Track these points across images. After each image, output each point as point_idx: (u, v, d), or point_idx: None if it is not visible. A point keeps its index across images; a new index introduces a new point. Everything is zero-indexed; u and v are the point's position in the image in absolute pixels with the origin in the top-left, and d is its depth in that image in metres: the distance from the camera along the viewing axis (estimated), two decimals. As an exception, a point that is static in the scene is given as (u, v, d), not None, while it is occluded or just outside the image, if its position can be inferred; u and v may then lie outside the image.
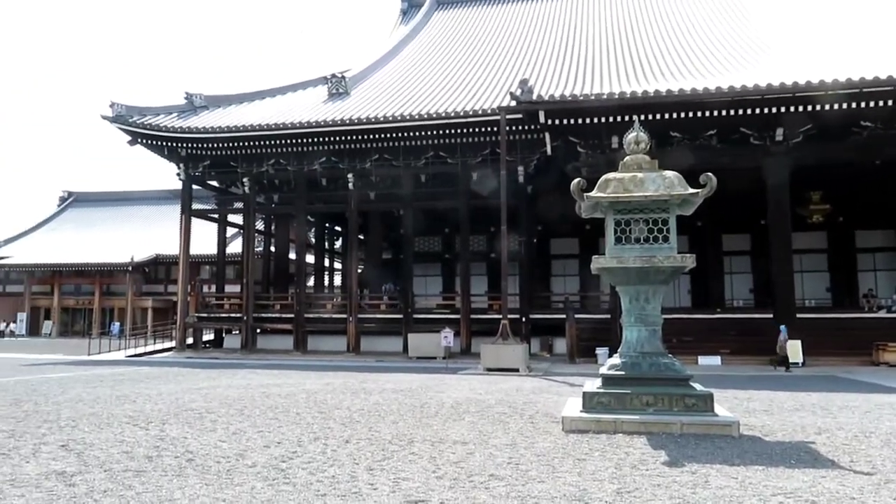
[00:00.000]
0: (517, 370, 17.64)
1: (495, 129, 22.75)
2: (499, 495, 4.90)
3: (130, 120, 27.05)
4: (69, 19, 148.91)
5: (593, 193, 8.41)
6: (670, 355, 8.39)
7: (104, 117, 27.12)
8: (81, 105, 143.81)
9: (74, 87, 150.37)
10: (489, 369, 17.81)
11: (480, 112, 23.41)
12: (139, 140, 27.76)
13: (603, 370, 8.50)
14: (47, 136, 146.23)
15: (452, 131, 24.12)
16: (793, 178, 21.23)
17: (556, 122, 21.23)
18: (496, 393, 12.17)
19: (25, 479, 5.32)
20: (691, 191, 8.21)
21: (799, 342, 18.96)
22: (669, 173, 8.35)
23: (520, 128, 23.20)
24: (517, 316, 23.45)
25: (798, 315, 20.65)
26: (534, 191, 25.72)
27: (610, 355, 15.78)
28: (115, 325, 43.27)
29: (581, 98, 20.77)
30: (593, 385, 8.48)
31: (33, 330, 50.85)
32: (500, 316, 20.20)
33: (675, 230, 8.36)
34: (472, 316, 25.09)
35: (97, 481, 5.27)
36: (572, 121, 21.08)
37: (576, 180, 8.47)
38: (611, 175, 8.57)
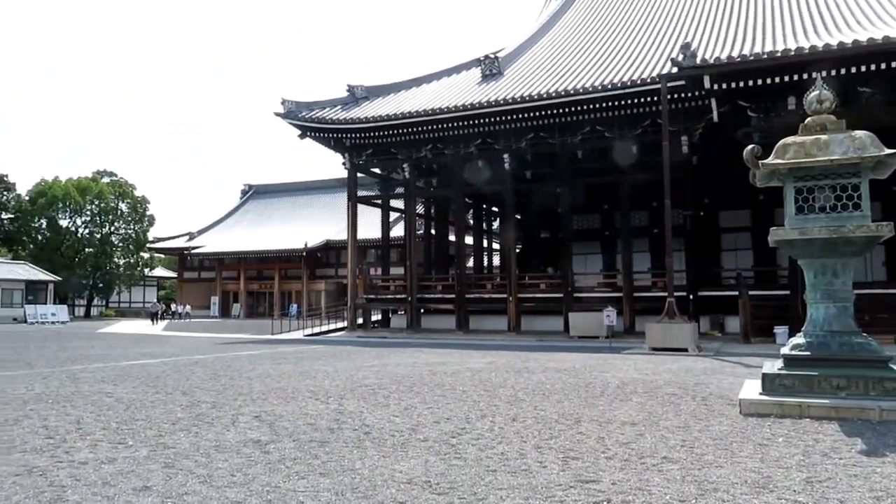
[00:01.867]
0: (685, 350, 16.88)
1: (656, 98, 21.75)
2: (673, 479, 4.73)
3: (300, 115, 28.84)
4: (239, 28, 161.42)
5: (770, 160, 7.80)
6: (864, 334, 7.63)
7: (277, 114, 29.15)
8: (261, 104, 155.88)
9: (258, 89, 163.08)
10: (655, 349, 17.20)
11: (639, 82, 22.44)
12: (308, 133, 29.55)
13: (785, 350, 7.90)
14: (231, 134, 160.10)
15: (610, 104, 23.32)
16: None
17: (724, 86, 19.82)
18: (664, 373, 11.74)
19: (227, 446, 5.91)
20: (887, 151, 7.37)
21: None
22: (860, 133, 7.54)
23: (682, 95, 21.96)
24: (683, 293, 22.33)
25: None
26: (699, 161, 24.31)
27: (790, 334, 14.64)
28: (293, 307, 46.65)
29: (752, 58, 19.22)
30: (773, 366, 7.91)
31: (224, 312, 56.21)
32: (666, 294, 19.40)
33: (868, 196, 7.55)
34: (635, 294, 24.33)
35: (287, 450, 5.74)
36: (741, 83, 19.58)
37: (749, 147, 7.90)
38: (789, 139, 7.89)
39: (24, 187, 63.89)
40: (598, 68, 25.43)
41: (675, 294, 19.40)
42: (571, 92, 23.33)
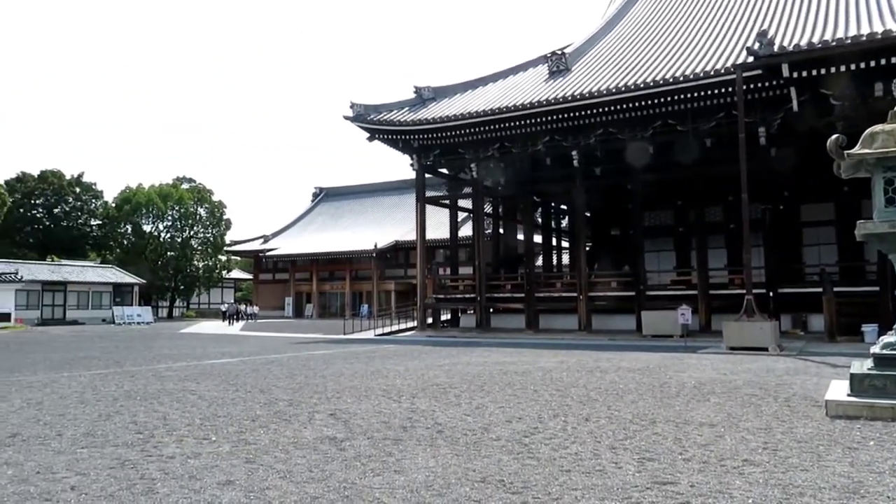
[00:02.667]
0: (765, 349, 16.26)
1: (731, 89, 21.00)
2: (755, 482, 4.57)
3: (368, 118, 29.25)
4: (305, 31, 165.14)
5: (856, 150, 7.44)
6: (963, 333, 7.18)
7: (346, 117, 29.64)
8: (332, 108, 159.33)
9: (331, 94, 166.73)
10: (733, 348, 16.65)
11: (713, 73, 21.70)
12: (377, 136, 29.94)
13: (875, 349, 7.51)
14: (303, 138, 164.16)
15: (682, 97, 22.63)
16: None
17: (803, 74, 18.98)
18: (743, 373, 11.35)
19: (305, 443, 6.07)
20: None
21: None
22: (955, 119, 7.10)
23: (759, 85, 21.10)
24: (762, 291, 21.49)
25: None
26: (778, 153, 23.32)
27: (880, 333, 13.91)
28: (364, 307, 47.34)
29: (833, 44, 18.35)
30: (862, 366, 7.53)
31: (298, 312, 57.64)
32: (743, 291, 18.74)
33: (966, 186, 7.10)
34: (711, 292, 23.59)
35: (362, 447, 5.85)
36: (822, 71, 18.71)
37: (833, 137, 7.55)
38: (877, 128, 7.51)
39: (109, 194, 67.23)
40: (669, 61, 24.78)
41: (754, 291, 18.70)
42: (642, 86, 22.81)
